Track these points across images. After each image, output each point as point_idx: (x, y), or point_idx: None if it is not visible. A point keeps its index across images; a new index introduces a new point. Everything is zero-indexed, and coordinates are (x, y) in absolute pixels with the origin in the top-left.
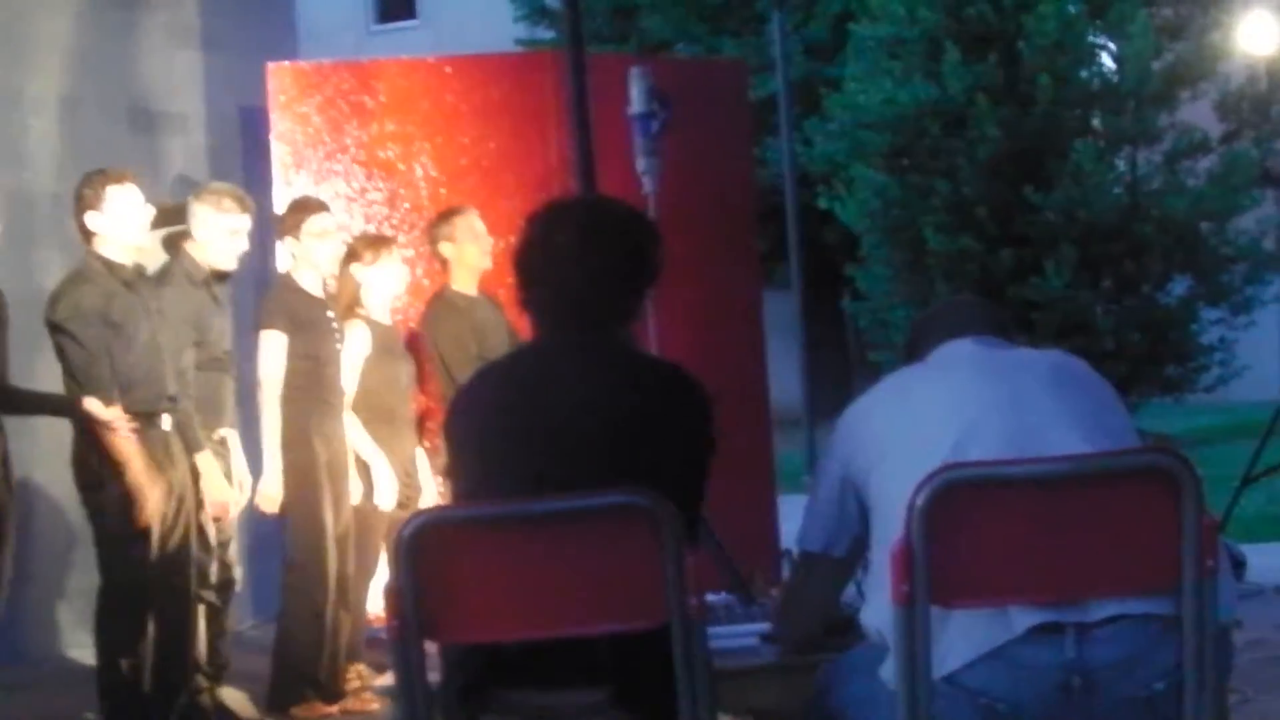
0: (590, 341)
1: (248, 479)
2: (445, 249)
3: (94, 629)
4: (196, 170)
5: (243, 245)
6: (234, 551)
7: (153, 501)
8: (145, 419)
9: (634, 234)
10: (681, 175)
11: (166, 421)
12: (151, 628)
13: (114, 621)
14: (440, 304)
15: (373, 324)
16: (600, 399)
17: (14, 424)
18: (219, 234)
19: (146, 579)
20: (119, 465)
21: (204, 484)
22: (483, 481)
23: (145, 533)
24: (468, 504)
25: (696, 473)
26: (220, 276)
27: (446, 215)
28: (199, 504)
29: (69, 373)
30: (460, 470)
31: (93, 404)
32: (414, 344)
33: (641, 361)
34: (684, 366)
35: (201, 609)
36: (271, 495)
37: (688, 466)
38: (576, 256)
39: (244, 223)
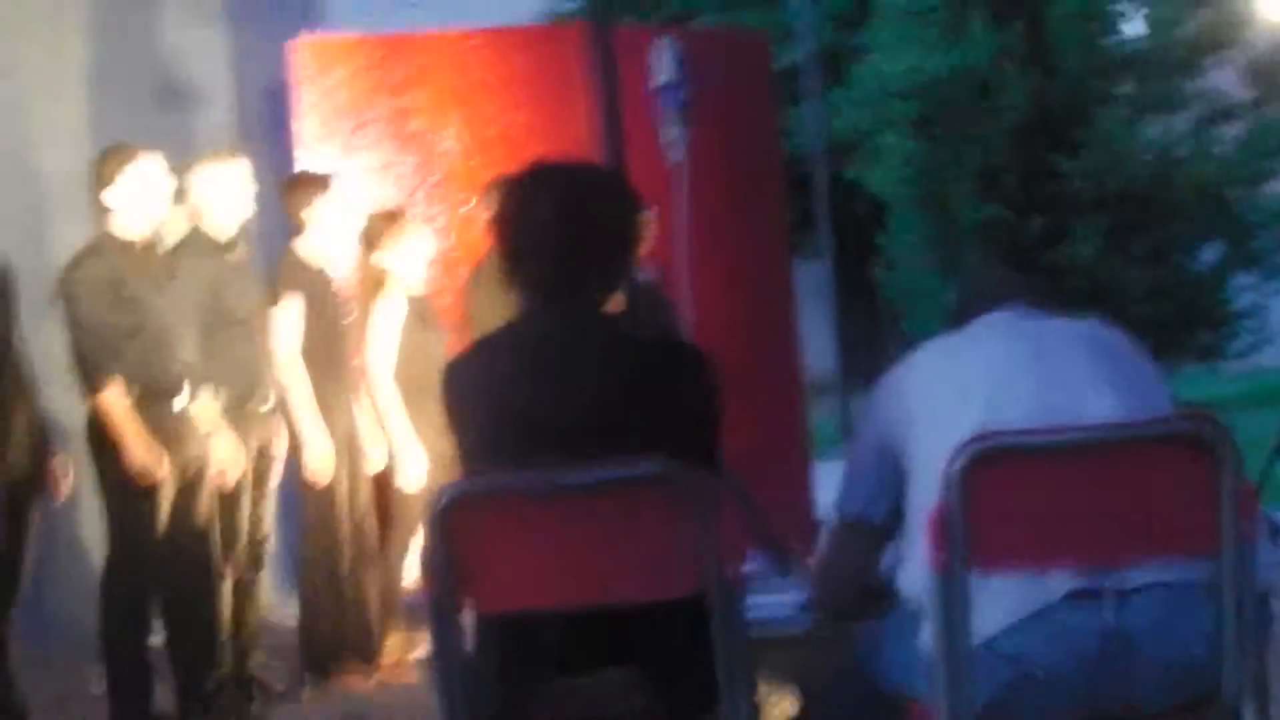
0: (583, 316)
1: (283, 450)
2: None
3: (98, 599)
4: (222, 146)
5: (249, 192)
6: (267, 527)
7: (155, 470)
8: (158, 393)
9: (614, 201)
10: (709, 145)
11: (180, 400)
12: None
13: (116, 592)
14: (482, 270)
15: (405, 297)
16: (593, 379)
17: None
18: (226, 189)
19: (150, 553)
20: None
21: (214, 449)
22: (494, 456)
23: (150, 507)
24: (496, 476)
25: (706, 435)
26: (229, 248)
27: (493, 185)
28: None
29: (70, 348)
30: (465, 443)
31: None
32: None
33: (631, 338)
34: (681, 339)
35: (229, 583)
36: (320, 464)
37: (695, 431)
38: (558, 228)
39: (245, 170)
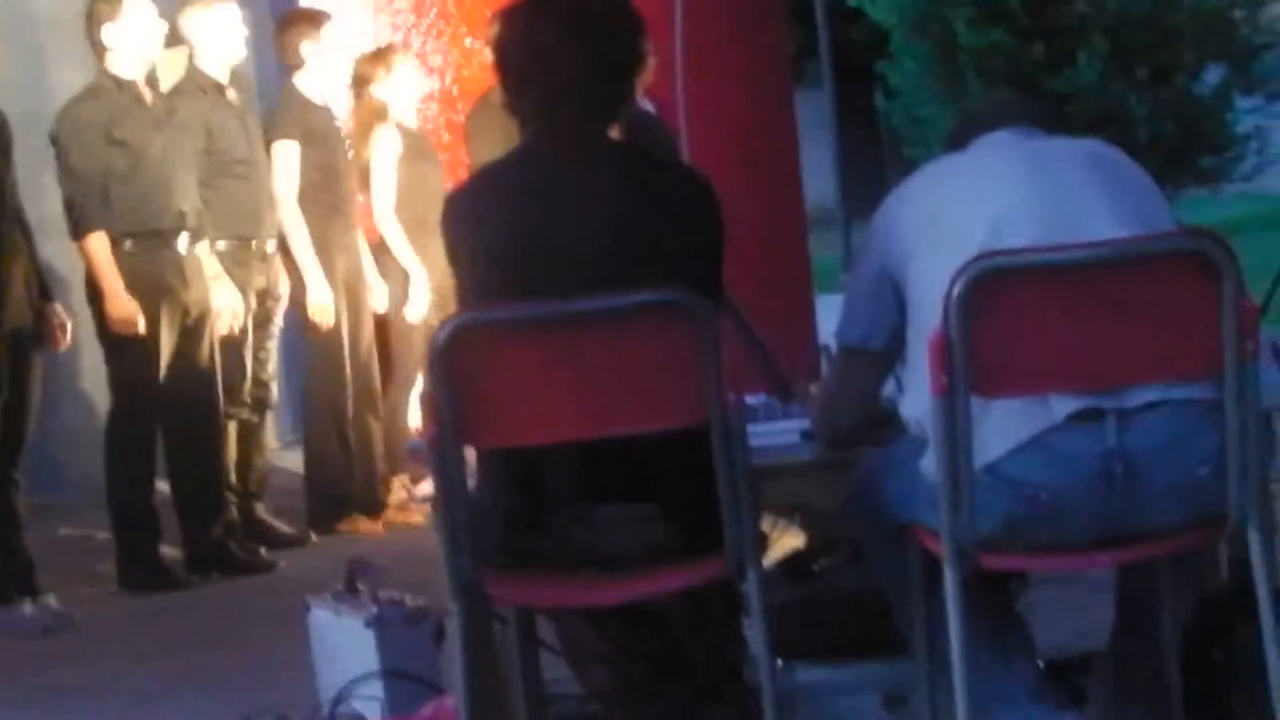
0: (587, 141)
1: (285, 291)
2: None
3: (104, 448)
4: None
5: (241, 36)
6: (272, 368)
7: (133, 322)
8: (156, 237)
9: (616, 23)
10: None
11: (182, 241)
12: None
13: (119, 442)
14: (484, 105)
15: (401, 129)
16: (606, 199)
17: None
18: (215, 31)
19: (152, 399)
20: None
21: (212, 294)
22: (497, 288)
23: (149, 354)
24: (499, 308)
25: (712, 264)
26: (222, 89)
27: (493, 19)
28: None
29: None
30: (468, 276)
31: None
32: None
33: (639, 160)
34: (680, 162)
35: (234, 427)
36: (323, 305)
37: (700, 262)
38: (561, 53)
39: (233, 10)
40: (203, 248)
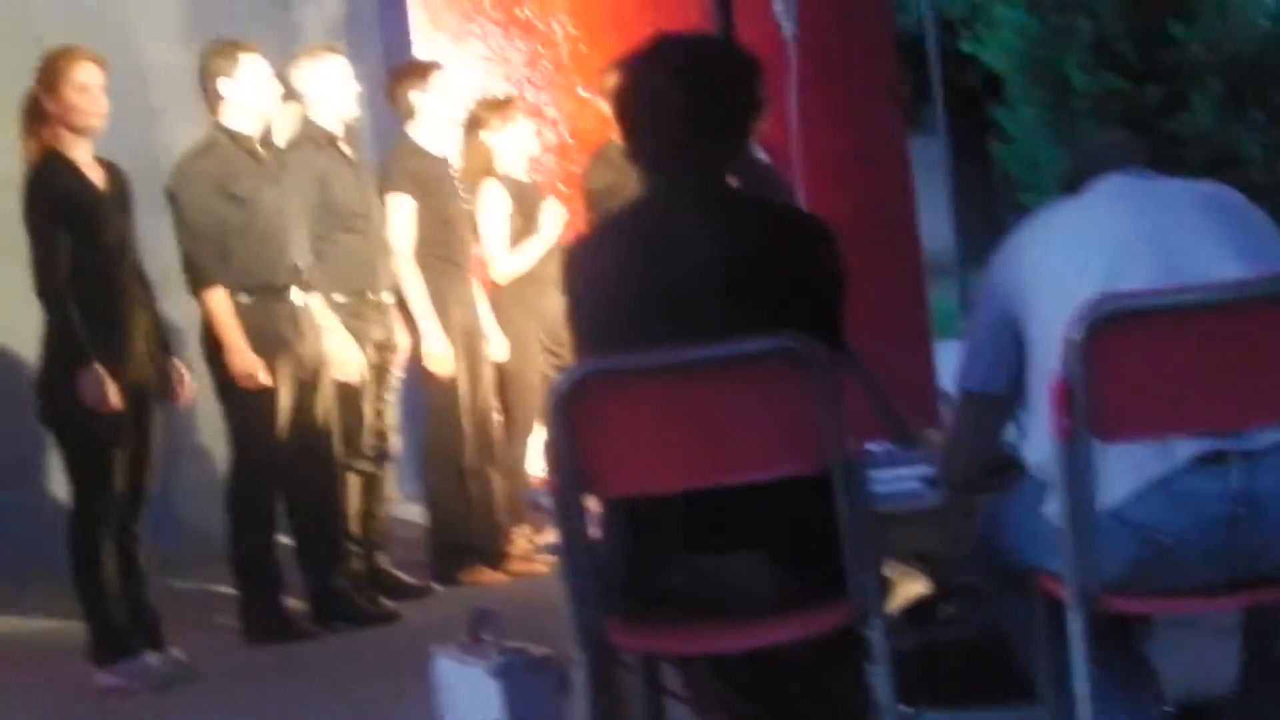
0: (706, 188)
1: (404, 343)
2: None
3: (225, 503)
4: (333, 39)
5: (352, 90)
6: (391, 420)
7: (256, 376)
8: (271, 293)
9: (734, 70)
10: (821, 20)
11: (296, 295)
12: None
13: (241, 495)
14: (600, 159)
15: (508, 182)
16: (725, 246)
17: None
18: (325, 84)
19: (273, 453)
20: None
21: (328, 347)
22: (615, 337)
23: (267, 407)
24: (620, 356)
25: (831, 313)
26: (336, 142)
27: (607, 71)
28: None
29: (179, 250)
30: (587, 327)
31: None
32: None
33: (758, 206)
34: (799, 208)
35: (355, 478)
36: (440, 356)
37: (821, 308)
38: (678, 100)
39: (344, 64)
40: (316, 300)
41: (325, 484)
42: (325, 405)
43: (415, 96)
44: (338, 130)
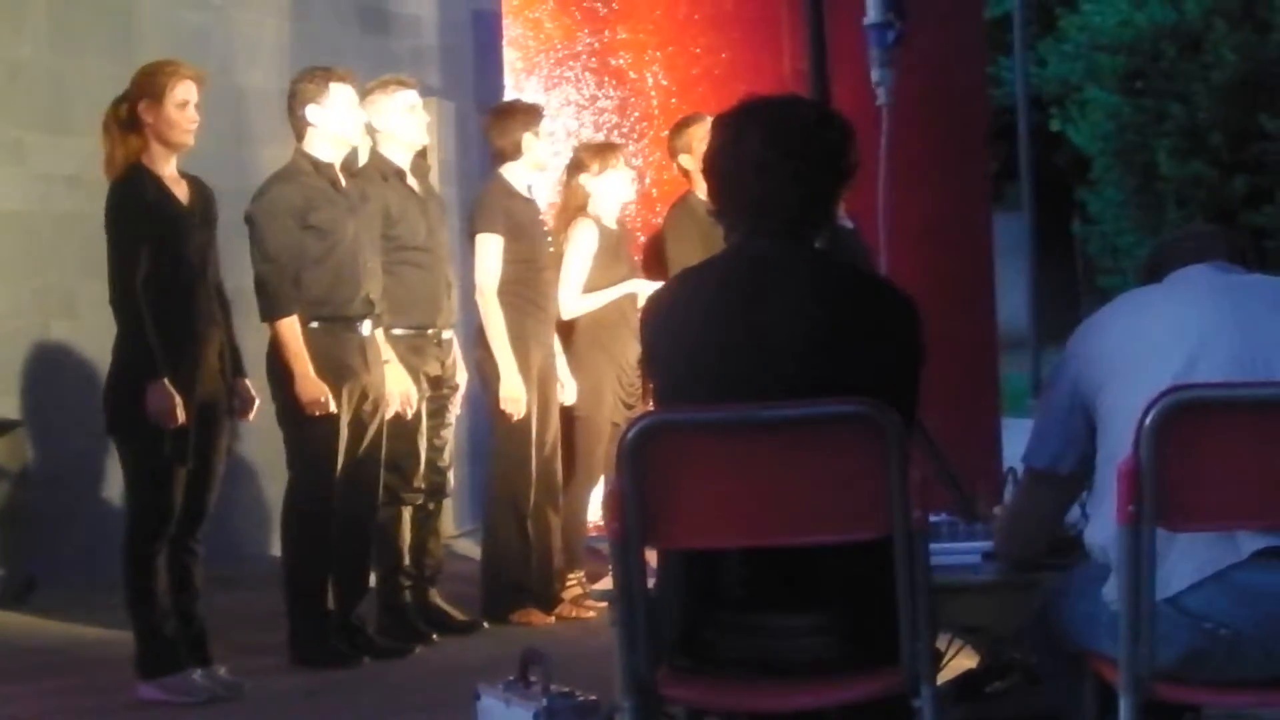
0: (790, 250)
1: (464, 380)
2: (685, 160)
3: (281, 526)
4: (427, 73)
5: (422, 120)
6: (448, 456)
7: (324, 404)
8: (343, 323)
9: (824, 134)
10: (915, 89)
11: (366, 326)
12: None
13: (298, 519)
14: (681, 210)
15: (601, 227)
16: (807, 310)
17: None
18: (397, 116)
19: (331, 478)
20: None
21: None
22: (690, 389)
23: (331, 434)
24: (692, 409)
25: (908, 384)
26: (403, 175)
27: (682, 126)
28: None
29: (254, 275)
30: (663, 377)
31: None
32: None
33: (844, 271)
34: (885, 277)
35: (410, 512)
36: (515, 396)
37: (899, 378)
38: (766, 161)
39: (414, 97)
40: (379, 332)
41: (364, 517)
42: (376, 437)
43: (520, 140)
44: (404, 163)
